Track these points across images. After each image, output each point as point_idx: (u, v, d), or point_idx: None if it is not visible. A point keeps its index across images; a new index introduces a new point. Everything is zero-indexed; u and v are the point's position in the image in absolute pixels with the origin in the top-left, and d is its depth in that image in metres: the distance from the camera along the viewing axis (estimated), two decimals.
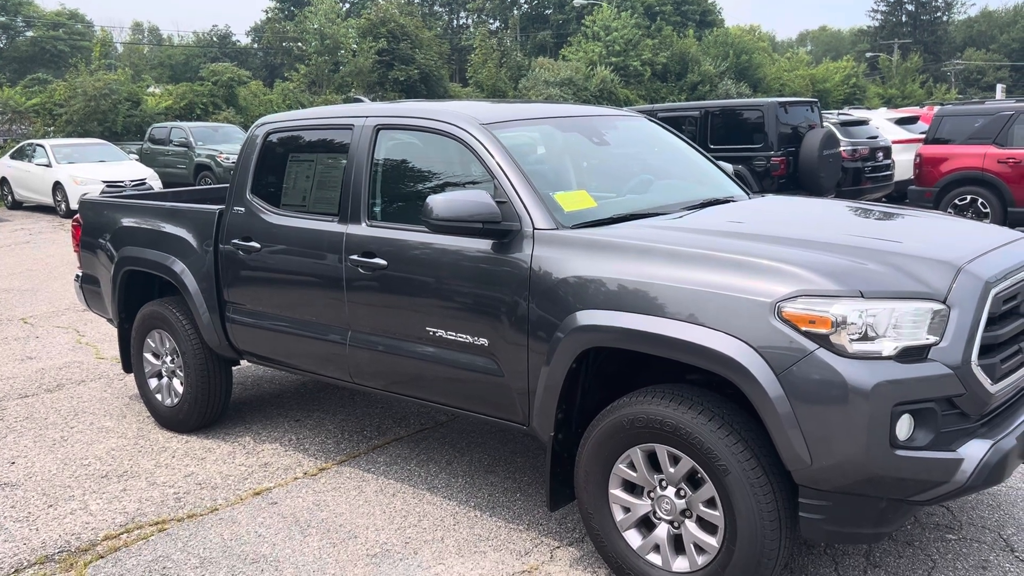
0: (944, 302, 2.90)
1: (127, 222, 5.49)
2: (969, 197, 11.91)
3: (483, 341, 3.71)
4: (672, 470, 3.20)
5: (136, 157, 21.54)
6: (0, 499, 4.48)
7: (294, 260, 4.49)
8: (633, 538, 3.36)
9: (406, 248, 3.98)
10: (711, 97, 44.96)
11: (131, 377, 6.49)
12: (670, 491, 3.24)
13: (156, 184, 18.47)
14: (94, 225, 5.78)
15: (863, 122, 15.20)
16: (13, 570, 3.77)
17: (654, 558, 3.31)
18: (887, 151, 14.62)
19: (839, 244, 3.20)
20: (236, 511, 4.25)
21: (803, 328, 2.84)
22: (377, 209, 4.21)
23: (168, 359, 5.38)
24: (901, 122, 16.98)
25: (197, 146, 21.24)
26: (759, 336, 2.90)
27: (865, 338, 2.81)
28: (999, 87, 55.28)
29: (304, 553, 3.80)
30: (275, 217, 4.62)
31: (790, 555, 3.16)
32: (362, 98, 5.17)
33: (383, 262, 4.03)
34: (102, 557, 3.85)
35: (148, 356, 5.51)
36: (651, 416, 3.16)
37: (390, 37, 39.50)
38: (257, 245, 4.64)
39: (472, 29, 66.54)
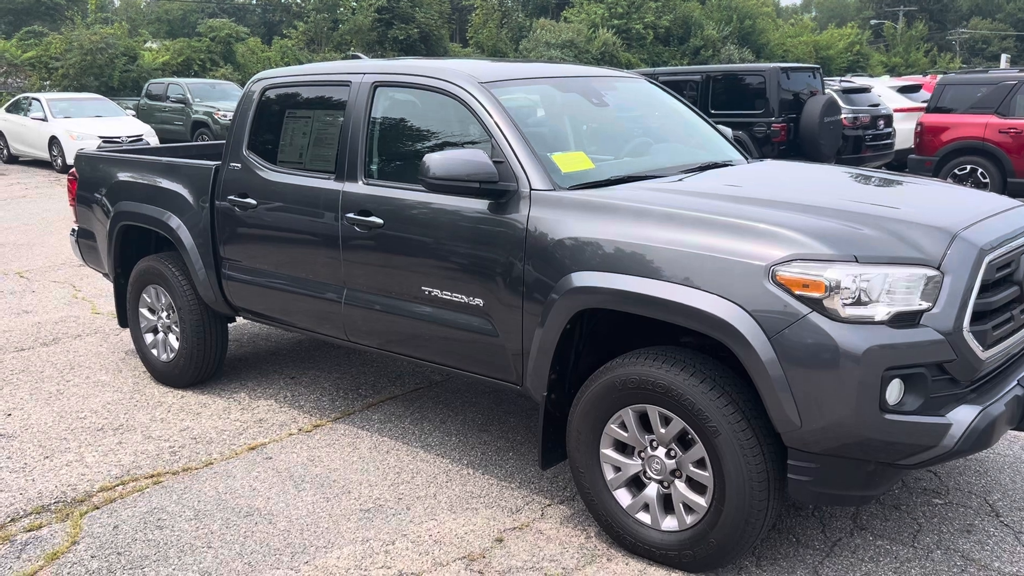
0: (938, 268, 2.91)
1: (123, 177, 5.46)
2: (969, 167, 11.88)
3: (478, 301, 3.72)
4: (663, 431, 3.23)
5: (133, 113, 21.39)
6: None
7: (290, 217, 4.48)
8: (623, 497, 3.40)
9: (402, 207, 3.98)
10: (713, 62, 44.57)
11: (127, 332, 6.52)
12: (660, 451, 3.27)
13: (153, 140, 18.34)
14: (90, 180, 5.75)
15: (865, 89, 15.11)
16: (9, 519, 3.81)
17: (643, 517, 3.35)
18: (888, 119, 14.56)
19: (835, 209, 3.20)
20: (231, 465, 4.29)
21: (797, 292, 2.85)
22: (374, 167, 4.20)
23: (164, 314, 5.39)
24: (903, 90, 16.89)
25: (194, 103, 21.07)
26: (752, 299, 2.91)
27: (858, 303, 2.82)
28: (1003, 57, 54.86)
29: (298, 507, 3.84)
30: (271, 174, 4.60)
31: (778, 516, 3.20)
32: (361, 55, 5.13)
33: (379, 220, 4.03)
34: (97, 508, 3.89)
35: (144, 311, 5.52)
36: (643, 377, 3.18)
37: None
38: (253, 202, 4.62)
39: None
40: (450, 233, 3.79)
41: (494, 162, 3.60)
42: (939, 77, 14.71)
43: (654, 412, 3.23)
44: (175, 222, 5.03)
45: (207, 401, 5.18)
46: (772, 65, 12.57)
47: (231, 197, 4.73)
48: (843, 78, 19.13)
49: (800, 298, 2.85)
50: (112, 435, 4.69)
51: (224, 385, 5.44)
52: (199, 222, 4.93)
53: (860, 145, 13.91)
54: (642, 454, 3.34)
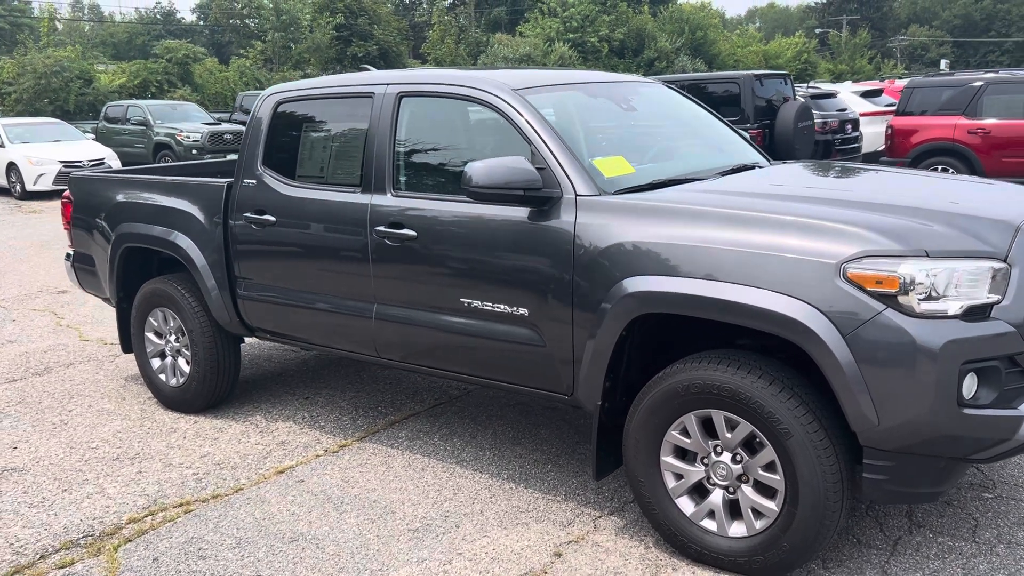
0: (1005, 260, 2.91)
1: (125, 198, 5.29)
2: (940, 167, 12.09)
3: (523, 311, 3.64)
4: (729, 435, 3.18)
5: (92, 136, 20.95)
6: (11, 484, 4.32)
7: (314, 233, 4.37)
8: (686, 505, 3.34)
9: (437, 218, 3.89)
10: (668, 73, 45.02)
11: (123, 358, 6.34)
12: (726, 456, 3.22)
13: (115, 164, 18.00)
14: (86, 202, 5.58)
15: (831, 95, 15.36)
16: (39, 556, 3.63)
17: (709, 524, 3.30)
18: (855, 123, 14.81)
19: (895, 205, 3.19)
20: (263, 490, 4.15)
21: (870, 288, 2.83)
22: (402, 179, 4.11)
23: (172, 338, 5.22)
24: (866, 95, 17.19)
25: (156, 125, 20.71)
26: (824, 298, 2.88)
27: (931, 298, 2.81)
28: (943, 62, 56.32)
29: (343, 530, 3.72)
30: (291, 189, 4.48)
31: (847, 517, 3.17)
32: (369, 67, 5.06)
33: (412, 233, 3.94)
34: (130, 540, 3.73)
35: (150, 335, 5.34)
36: (708, 382, 3.13)
37: (347, 13, 38.84)
38: (272, 218, 4.50)
39: (425, 5, 65.77)
40: (490, 243, 3.72)
41: (536, 169, 3.54)
42: (901, 81, 14.99)
43: (719, 417, 3.18)
44: (185, 242, 4.88)
45: (222, 426, 5.02)
46: (746, 72, 12.70)
47: (247, 214, 4.60)
48: (809, 84, 19.43)
49: (874, 295, 2.83)
50: (130, 464, 4.52)
51: (236, 409, 5.28)
52: (211, 241, 4.79)
53: (830, 149, 14.12)
54: (705, 460, 3.29)
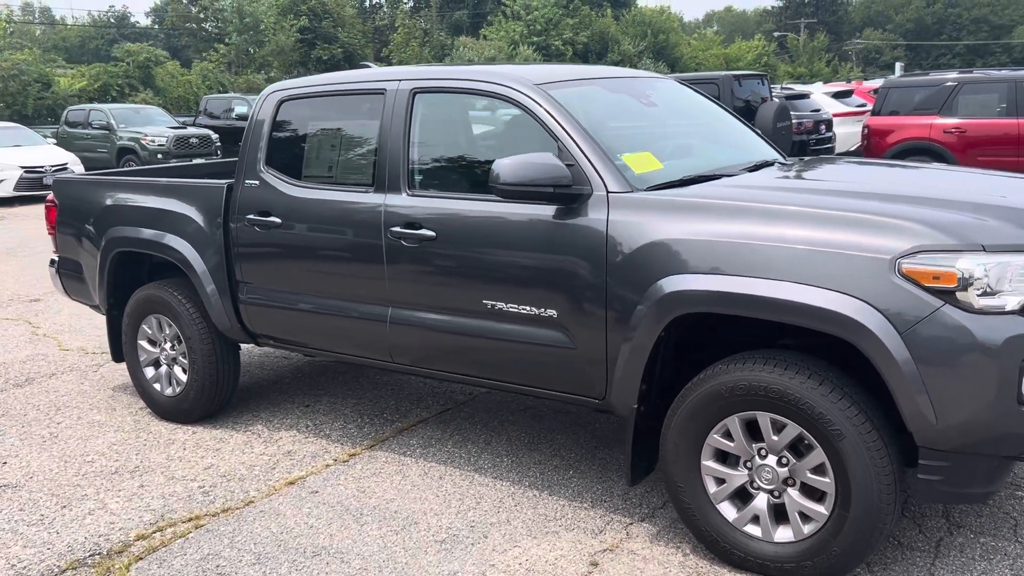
0: None
1: (114, 201, 5.09)
2: None
3: (551, 312, 3.52)
4: (775, 438, 3.08)
5: (53, 141, 20.44)
6: (5, 501, 4.10)
7: (322, 234, 4.20)
8: (728, 510, 3.24)
9: (457, 218, 3.76)
10: None
11: (108, 367, 6.12)
12: (771, 460, 3.13)
13: (78, 169, 17.53)
14: (73, 206, 5.36)
15: (805, 96, 15.46)
16: None
17: (752, 529, 3.20)
18: (829, 124, 14.93)
19: (945, 199, 3.13)
20: (275, 502, 3.98)
21: (926, 284, 2.76)
22: (418, 178, 3.97)
23: (168, 346, 5.02)
24: (838, 96, 17.35)
25: (119, 129, 20.26)
26: (878, 295, 2.80)
27: (988, 293, 2.75)
28: (898, 65, 57.29)
29: (367, 543, 3.57)
30: (297, 190, 4.32)
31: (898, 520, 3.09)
32: (370, 64, 4.91)
33: (431, 233, 3.80)
34: (141, 558, 3.55)
35: (143, 344, 5.13)
36: (753, 383, 3.04)
37: (311, 15, 38.44)
38: (277, 220, 4.33)
39: (386, 8, 65.37)
40: (515, 242, 3.59)
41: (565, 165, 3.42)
42: (869, 83, 15.13)
43: (765, 419, 3.08)
44: (183, 246, 4.68)
45: (223, 436, 4.83)
46: (725, 73, 12.73)
47: (250, 216, 4.43)
48: (783, 85, 19.58)
49: (931, 290, 2.75)
50: (130, 478, 4.32)
51: (235, 418, 5.09)
52: (211, 245, 4.60)
53: (804, 149, 14.20)
54: (748, 464, 3.19)
